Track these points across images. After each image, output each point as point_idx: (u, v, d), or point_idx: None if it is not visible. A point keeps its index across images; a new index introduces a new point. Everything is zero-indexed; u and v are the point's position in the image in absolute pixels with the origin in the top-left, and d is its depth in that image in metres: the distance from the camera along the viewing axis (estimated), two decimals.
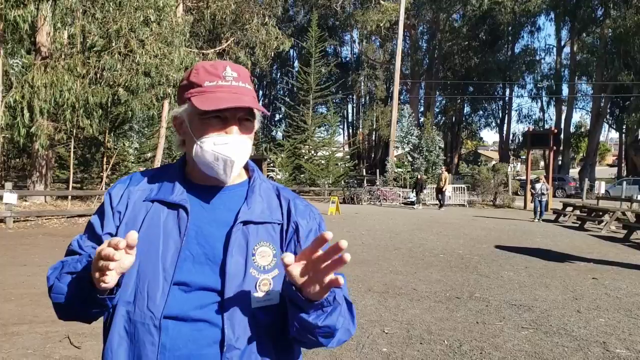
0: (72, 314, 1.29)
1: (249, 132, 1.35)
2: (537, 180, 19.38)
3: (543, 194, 18.50)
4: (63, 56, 15.66)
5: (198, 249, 1.27)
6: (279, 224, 1.36)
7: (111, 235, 1.31)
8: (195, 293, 1.24)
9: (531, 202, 20.72)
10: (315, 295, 1.13)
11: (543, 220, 18.10)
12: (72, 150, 18.99)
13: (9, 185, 13.65)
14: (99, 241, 1.29)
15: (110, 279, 1.11)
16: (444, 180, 23.88)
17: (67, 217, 14.74)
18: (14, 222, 13.26)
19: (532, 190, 19.44)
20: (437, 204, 24.24)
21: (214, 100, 1.27)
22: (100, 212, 1.36)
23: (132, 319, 1.24)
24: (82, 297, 1.21)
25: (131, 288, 1.25)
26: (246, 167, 1.44)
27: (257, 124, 1.38)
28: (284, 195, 1.42)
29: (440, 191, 23.98)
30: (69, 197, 17.85)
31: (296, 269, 1.13)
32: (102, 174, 20.57)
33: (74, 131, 17.34)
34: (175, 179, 1.36)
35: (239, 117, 1.31)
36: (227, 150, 1.29)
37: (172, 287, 1.24)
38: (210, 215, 1.32)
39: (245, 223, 1.30)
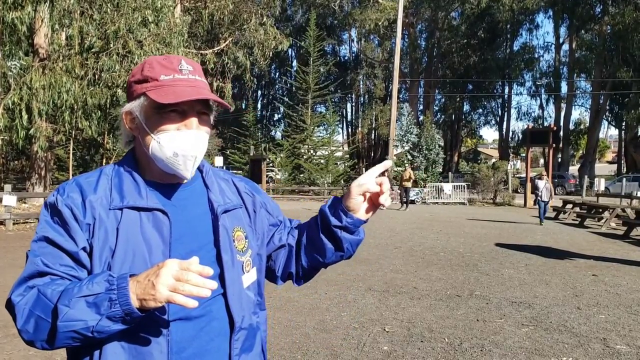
0: (82, 339, 1.14)
1: (207, 125, 1.34)
2: (540, 178, 17.24)
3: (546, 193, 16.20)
4: (61, 58, 15.66)
5: (184, 248, 1.26)
6: (241, 207, 1.44)
7: (85, 250, 1.22)
8: None
9: (535, 204, 18.58)
10: (367, 216, 1.44)
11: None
12: (71, 151, 19.01)
13: (8, 187, 13.63)
14: (73, 258, 1.22)
15: (196, 302, 1.11)
16: (407, 177, 22.13)
17: None
18: (14, 224, 13.25)
19: (536, 191, 16.69)
20: (405, 203, 21.95)
21: (173, 93, 1.24)
22: (62, 227, 1.24)
23: (130, 333, 1.18)
24: (113, 318, 1.11)
25: None
26: None
27: (212, 119, 1.40)
28: (237, 180, 1.51)
29: (405, 190, 22.12)
30: None
31: (361, 198, 1.41)
32: None
33: (73, 133, 17.35)
34: (137, 181, 1.30)
35: (197, 110, 1.30)
36: (187, 145, 1.26)
37: None
38: (185, 213, 1.32)
39: (221, 213, 1.36)
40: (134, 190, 1.28)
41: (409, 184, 22.22)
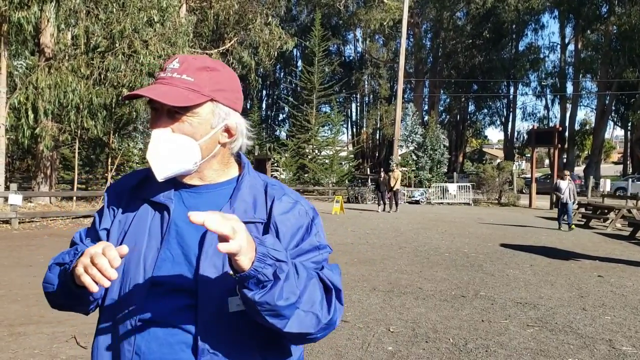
0: (62, 305, 1.32)
1: (183, 124, 1.25)
2: (562, 178, 15.31)
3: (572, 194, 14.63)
4: (67, 57, 15.72)
5: (178, 249, 1.24)
6: (261, 222, 1.28)
7: (106, 230, 1.33)
8: (172, 295, 1.21)
9: (556, 206, 16.11)
10: (238, 265, 1.05)
11: (545, 218, 17.97)
12: (76, 151, 19.05)
13: (13, 186, 13.69)
14: (96, 236, 1.34)
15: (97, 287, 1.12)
16: (395, 179, 20.78)
17: (72, 218, 14.79)
18: (19, 223, 13.30)
19: (557, 193, 14.97)
20: (395, 204, 20.72)
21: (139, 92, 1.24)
22: (101, 208, 1.39)
23: (114, 318, 1.24)
24: (65, 289, 1.24)
25: (117, 286, 1.25)
26: (240, 163, 1.39)
27: (217, 121, 1.28)
28: (270, 192, 1.32)
29: (392, 191, 20.72)
30: (74, 198, 17.90)
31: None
32: (106, 174, 20.62)
33: (79, 132, 17.41)
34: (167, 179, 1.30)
35: (167, 109, 1.24)
36: (148, 144, 1.26)
37: (150, 289, 1.22)
38: None
39: None
40: (158, 186, 1.30)
41: (397, 186, 20.94)
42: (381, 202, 20.96)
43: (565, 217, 14.61)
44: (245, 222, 1.21)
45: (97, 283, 1.10)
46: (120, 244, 1.27)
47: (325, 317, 1.19)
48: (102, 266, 1.07)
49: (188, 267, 1.22)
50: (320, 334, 1.21)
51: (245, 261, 1.05)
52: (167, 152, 1.23)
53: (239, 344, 1.21)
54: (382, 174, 21.79)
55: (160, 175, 1.24)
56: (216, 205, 1.28)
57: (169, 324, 1.20)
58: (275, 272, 1.08)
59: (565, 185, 14.63)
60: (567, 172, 15.54)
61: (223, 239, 1.02)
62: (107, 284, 1.08)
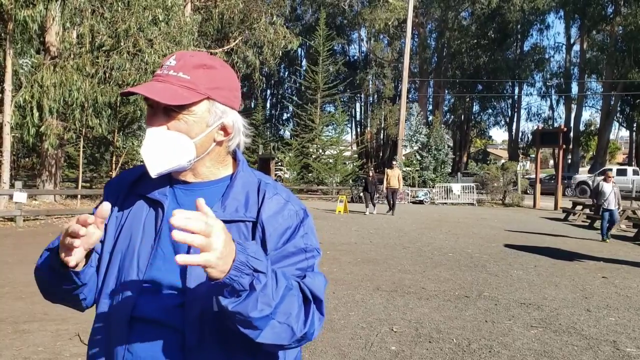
0: (53, 293, 1.30)
1: (179, 122, 1.24)
2: (605, 180, 12.99)
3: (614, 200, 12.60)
4: (72, 56, 15.75)
5: (170, 247, 1.23)
6: (251, 221, 1.25)
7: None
8: (163, 293, 1.21)
9: (598, 213, 13.52)
10: (212, 275, 1.01)
11: (549, 219, 17.87)
12: (81, 149, 19.09)
13: (18, 184, 13.74)
14: None
15: (74, 258, 1.13)
16: (396, 178, 19.34)
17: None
18: (24, 220, 13.35)
19: (598, 196, 12.99)
20: (392, 207, 19.04)
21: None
22: (99, 203, 1.38)
23: (109, 315, 1.24)
24: (52, 271, 1.21)
25: (112, 282, 1.25)
26: (236, 160, 1.38)
27: (213, 119, 1.27)
28: (262, 190, 1.30)
29: (391, 192, 19.20)
30: (78, 196, 17.95)
31: None
32: (111, 173, 20.67)
33: (83, 130, 17.45)
34: (164, 176, 1.29)
35: (163, 107, 1.23)
36: (143, 141, 1.25)
37: (143, 286, 1.21)
38: None
39: None
40: (154, 182, 1.30)
41: (396, 186, 19.38)
42: (369, 203, 19.38)
43: (609, 225, 12.63)
44: (235, 221, 1.24)
45: (70, 251, 1.12)
46: (117, 238, 1.29)
47: (300, 330, 1.15)
48: (72, 228, 1.08)
49: (171, 264, 1.20)
50: (294, 345, 1.18)
51: (218, 273, 1.01)
52: (161, 149, 1.23)
53: (227, 343, 1.19)
54: (371, 173, 20.29)
55: (154, 171, 1.24)
56: (208, 203, 1.22)
57: (160, 321, 1.19)
58: (252, 283, 1.04)
59: (610, 189, 12.63)
60: (611, 174, 13.28)
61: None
62: (77, 243, 1.09)
